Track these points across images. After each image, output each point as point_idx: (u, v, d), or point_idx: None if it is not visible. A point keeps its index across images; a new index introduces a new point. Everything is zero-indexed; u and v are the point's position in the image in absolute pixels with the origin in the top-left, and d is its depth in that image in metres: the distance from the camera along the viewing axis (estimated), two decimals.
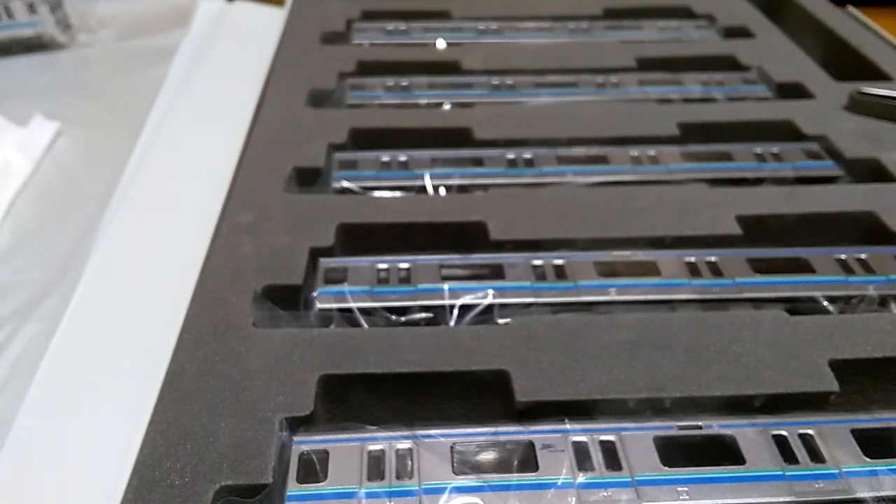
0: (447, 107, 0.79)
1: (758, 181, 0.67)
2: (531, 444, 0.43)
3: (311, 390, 0.46)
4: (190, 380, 0.47)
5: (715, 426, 0.44)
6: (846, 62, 0.87)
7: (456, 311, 0.53)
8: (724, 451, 0.43)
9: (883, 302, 0.54)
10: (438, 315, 0.53)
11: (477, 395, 0.49)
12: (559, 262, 0.57)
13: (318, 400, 0.46)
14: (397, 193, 0.65)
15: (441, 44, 0.91)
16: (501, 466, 0.43)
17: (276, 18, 1.00)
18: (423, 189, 0.66)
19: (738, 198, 0.63)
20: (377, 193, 0.65)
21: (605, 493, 0.41)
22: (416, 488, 0.41)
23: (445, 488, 0.41)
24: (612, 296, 0.54)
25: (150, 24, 1.10)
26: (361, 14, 0.99)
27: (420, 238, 0.61)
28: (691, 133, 0.73)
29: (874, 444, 0.43)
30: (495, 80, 0.82)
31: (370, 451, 0.43)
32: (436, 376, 0.48)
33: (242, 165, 0.67)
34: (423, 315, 0.53)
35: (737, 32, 0.95)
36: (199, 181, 0.68)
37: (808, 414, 0.46)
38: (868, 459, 0.42)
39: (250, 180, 0.65)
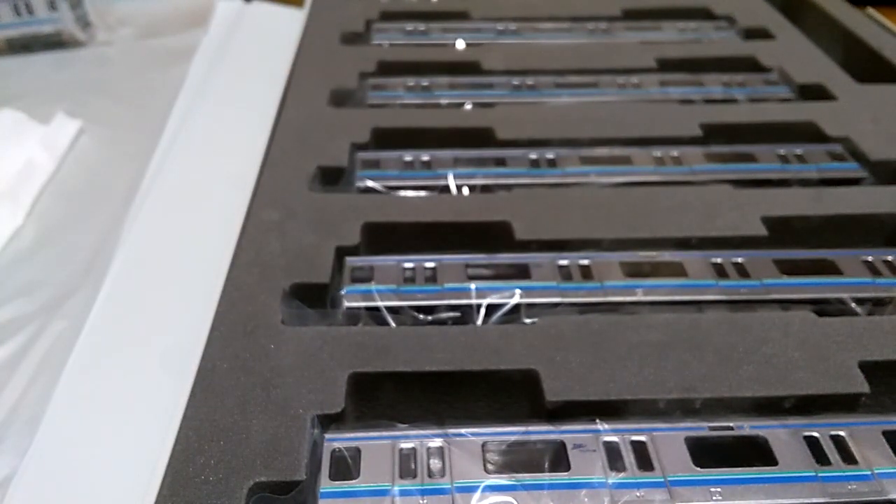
0: (468, 107, 0.79)
1: (782, 182, 0.67)
2: (562, 444, 0.43)
3: (341, 388, 0.46)
4: (221, 377, 0.47)
5: (746, 427, 0.44)
6: (867, 64, 0.87)
7: (483, 311, 0.53)
8: (756, 452, 0.43)
9: None
10: (465, 314, 0.54)
11: (505, 395, 0.49)
12: (585, 262, 0.57)
13: (348, 398, 0.46)
14: (421, 193, 0.65)
15: (461, 44, 0.91)
16: (532, 466, 0.43)
17: (293, 19, 1.00)
18: (446, 189, 0.66)
19: (763, 199, 0.63)
20: (401, 193, 0.65)
21: (639, 494, 0.41)
22: (449, 486, 0.41)
23: (478, 486, 0.41)
24: (639, 296, 0.54)
25: (168, 23, 1.11)
26: (380, 14, 0.99)
27: (445, 237, 0.61)
28: (714, 134, 0.73)
29: None
30: (516, 81, 0.82)
31: (401, 449, 0.43)
32: (464, 375, 0.48)
33: (267, 164, 0.67)
34: (451, 314, 0.53)
35: (757, 34, 0.94)
36: (223, 179, 0.68)
37: (839, 415, 0.45)
38: None
39: (275, 179, 0.65)
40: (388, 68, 0.86)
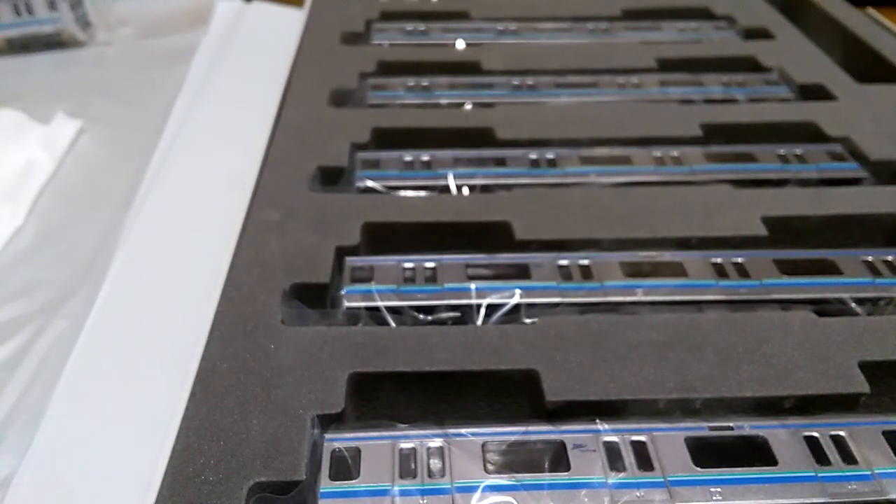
0: (468, 107, 0.79)
1: (782, 182, 0.67)
2: (562, 444, 0.43)
3: (341, 388, 0.46)
4: (221, 377, 0.47)
5: (746, 427, 0.44)
6: (867, 64, 0.87)
7: (483, 311, 0.53)
8: (755, 453, 0.43)
9: None
10: (465, 314, 0.54)
11: (505, 395, 0.49)
12: (585, 262, 0.57)
13: (348, 398, 0.46)
14: (421, 193, 0.65)
15: (461, 44, 0.91)
16: (532, 466, 0.43)
17: (293, 18, 1.00)
18: (446, 189, 0.66)
19: (763, 199, 0.63)
20: (401, 193, 0.65)
21: (639, 494, 0.41)
22: (449, 486, 0.41)
23: (478, 487, 0.41)
24: (639, 296, 0.54)
25: (168, 23, 1.11)
26: (380, 14, 0.99)
27: (444, 237, 0.61)
28: (714, 134, 0.73)
29: None
30: (516, 81, 0.82)
31: (401, 449, 0.43)
32: (464, 375, 0.48)
33: (267, 164, 0.67)
34: (451, 314, 0.53)
35: (757, 33, 0.94)
36: (224, 179, 0.68)
37: (839, 415, 0.45)
38: None
39: (275, 179, 0.65)
40: (388, 68, 0.86)
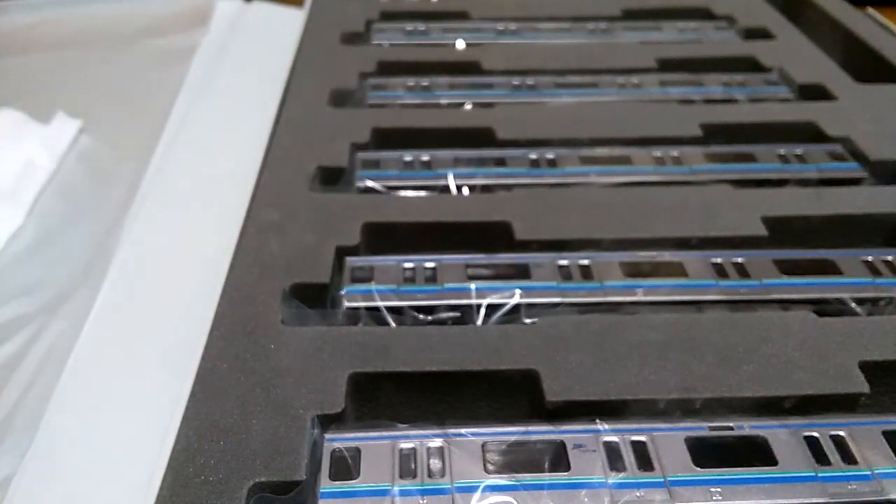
0: (468, 107, 0.79)
1: (782, 182, 0.67)
2: (562, 444, 0.43)
3: (341, 388, 0.46)
4: (221, 377, 0.47)
5: (746, 427, 0.44)
6: (867, 64, 0.87)
7: (483, 311, 0.53)
8: (755, 453, 0.43)
9: None
10: (465, 314, 0.54)
11: (505, 395, 0.49)
12: (585, 262, 0.57)
13: (348, 398, 0.46)
14: (421, 193, 0.65)
15: (461, 44, 0.91)
16: (532, 466, 0.43)
17: (293, 19, 1.00)
18: (446, 189, 0.66)
19: (763, 199, 0.63)
20: (401, 193, 0.65)
21: (639, 494, 0.41)
22: (449, 486, 0.41)
23: (478, 487, 0.41)
24: (639, 296, 0.54)
25: (168, 23, 1.11)
26: (380, 14, 0.99)
27: (444, 237, 0.61)
28: (714, 134, 0.73)
29: None
30: (516, 81, 0.82)
31: (401, 450, 0.43)
32: (464, 375, 0.48)
33: (267, 164, 0.67)
34: (451, 314, 0.53)
35: (757, 33, 0.94)
36: (224, 179, 0.68)
37: (839, 415, 0.45)
38: None
39: (275, 179, 0.65)
40: (388, 68, 0.86)
